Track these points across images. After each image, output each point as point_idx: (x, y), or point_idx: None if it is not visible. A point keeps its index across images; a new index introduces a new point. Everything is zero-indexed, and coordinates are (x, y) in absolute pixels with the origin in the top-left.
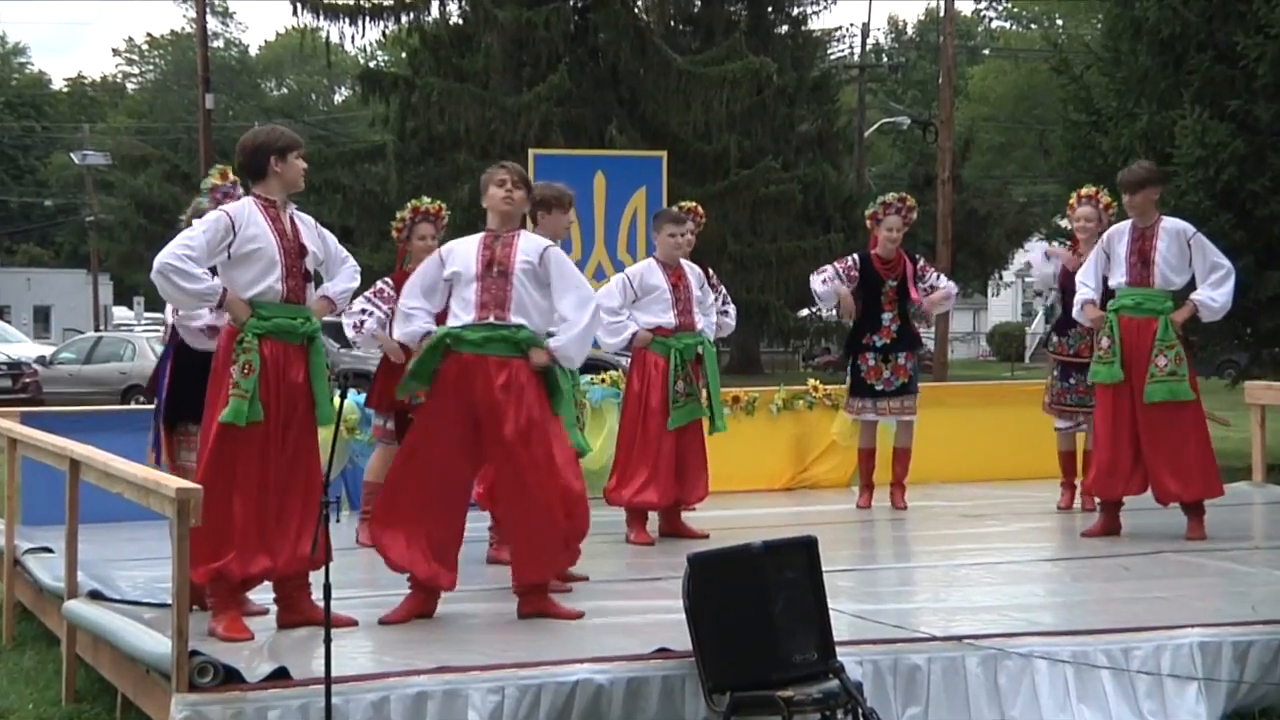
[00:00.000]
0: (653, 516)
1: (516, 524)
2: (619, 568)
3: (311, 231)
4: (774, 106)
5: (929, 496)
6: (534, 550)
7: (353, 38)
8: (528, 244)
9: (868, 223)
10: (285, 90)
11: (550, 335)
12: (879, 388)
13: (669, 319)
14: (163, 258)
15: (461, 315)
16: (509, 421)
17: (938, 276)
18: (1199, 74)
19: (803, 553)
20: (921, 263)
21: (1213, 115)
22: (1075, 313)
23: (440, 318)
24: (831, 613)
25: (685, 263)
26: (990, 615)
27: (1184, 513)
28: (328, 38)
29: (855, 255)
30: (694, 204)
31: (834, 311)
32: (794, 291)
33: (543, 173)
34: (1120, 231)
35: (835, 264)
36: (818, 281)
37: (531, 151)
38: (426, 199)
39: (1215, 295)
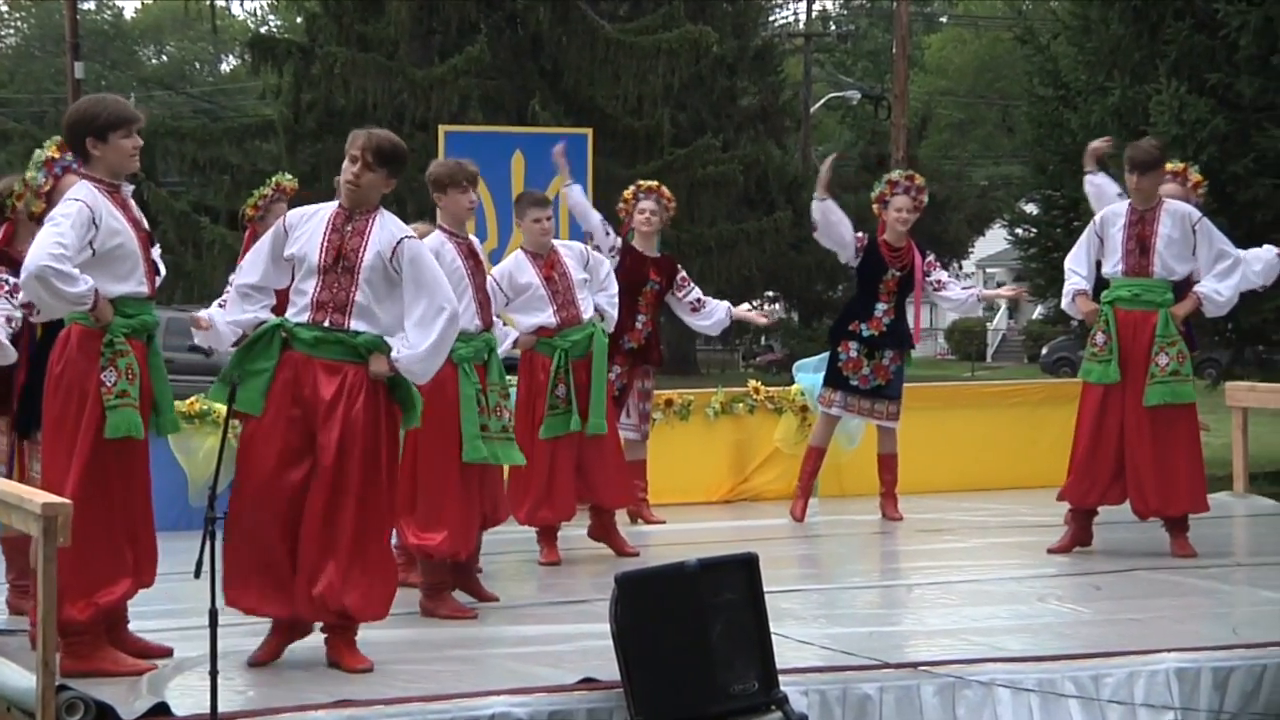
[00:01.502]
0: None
1: (305, 549)
2: (537, 589)
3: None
4: (712, 79)
5: (879, 509)
6: (328, 581)
7: (241, 0)
8: (381, 234)
9: (874, 206)
10: (165, 58)
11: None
12: (854, 382)
13: (548, 318)
14: (40, 260)
15: (299, 309)
16: (326, 432)
17: (949, 274)
18: (1176, 44)
19: (742, 572)
20: (930, 258)
21: (1191, 90)
22: (1065, 304)
23: (282, 299)
24: (774, 638)
25: (559, 243)
26: (948, 640)
27: (1166, 529)
28: (213, 1)
29: (864, 235)
30: (656, 183)
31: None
32: (735, 281)
33: (455, 150)
34: (1116, 213)
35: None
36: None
37: (442, 128)
38: (288, 176)
39: (1221, 288)
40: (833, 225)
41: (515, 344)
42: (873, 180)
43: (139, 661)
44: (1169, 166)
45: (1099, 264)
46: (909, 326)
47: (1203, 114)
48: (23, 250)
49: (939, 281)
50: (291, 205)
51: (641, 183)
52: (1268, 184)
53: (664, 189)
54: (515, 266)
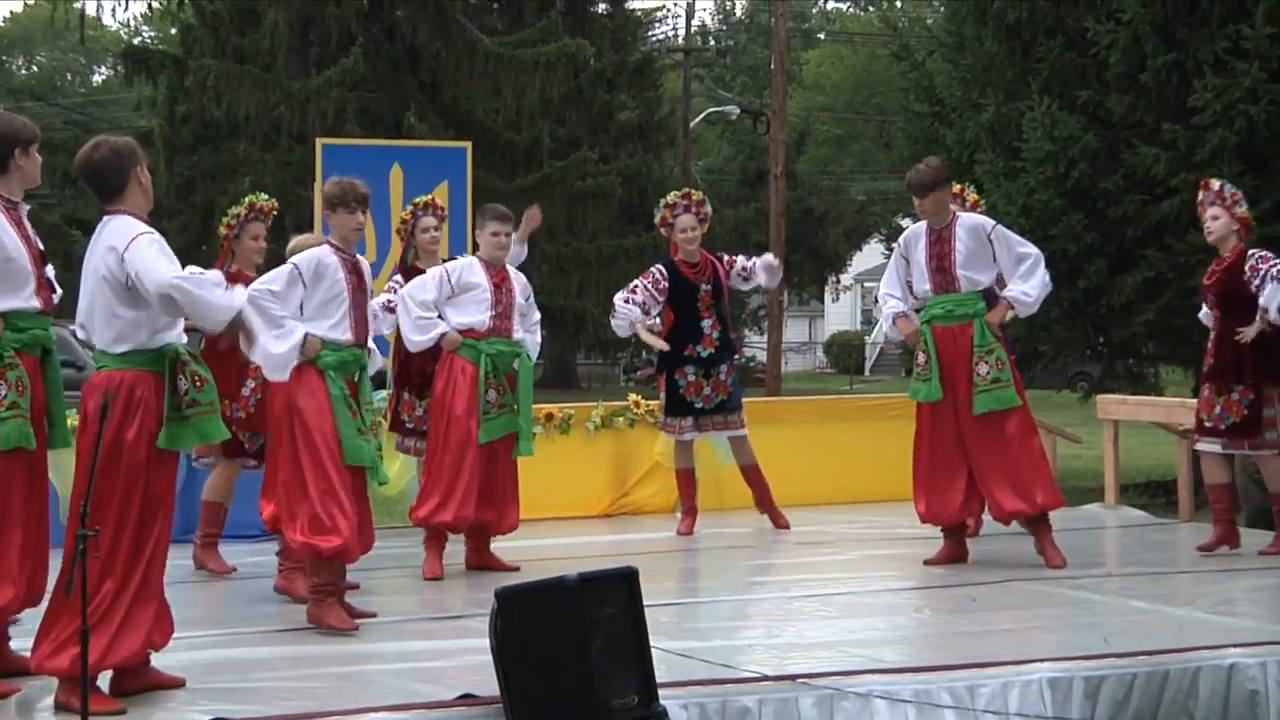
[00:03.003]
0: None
1: None
2: (417, 604)
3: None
4: (591, 93)
5: (761, 521)
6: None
7: (114, 11)
8: (109, 235)
9: (661, 230)
10: (35, 69)
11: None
12: (699, 405)
13: (482, 319)
14: None
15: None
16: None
17: (748, 258)
18: (1047, 62)
19: (622, 586)
20: (726, 257)
21: (1062, 107)
22: (886, 329)
23: None
24: (654, 651)
25: (511, 270)
26: (826, 651)
27: (1030, 530)
28: (83, 10)
29: (659, 265)
30: (699, 193)
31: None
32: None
33: (332, 165)
34: (916, 235)
35: (642, 280)
36: (619, 298)
37: (319, 141)
38: (264, 195)
39: (1028, 289)
40: (626, 328)
41: (442, 339)
42: (752, 195)
43: (6, 682)
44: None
45: (910, 285)
46: (733, 336)
47: (1074, 131)
48: None
49: (744, 269)
50: (272, 224)
51: (673, 199)
52: (1137, 200)
53: (693, 194)
54: (468, 267)
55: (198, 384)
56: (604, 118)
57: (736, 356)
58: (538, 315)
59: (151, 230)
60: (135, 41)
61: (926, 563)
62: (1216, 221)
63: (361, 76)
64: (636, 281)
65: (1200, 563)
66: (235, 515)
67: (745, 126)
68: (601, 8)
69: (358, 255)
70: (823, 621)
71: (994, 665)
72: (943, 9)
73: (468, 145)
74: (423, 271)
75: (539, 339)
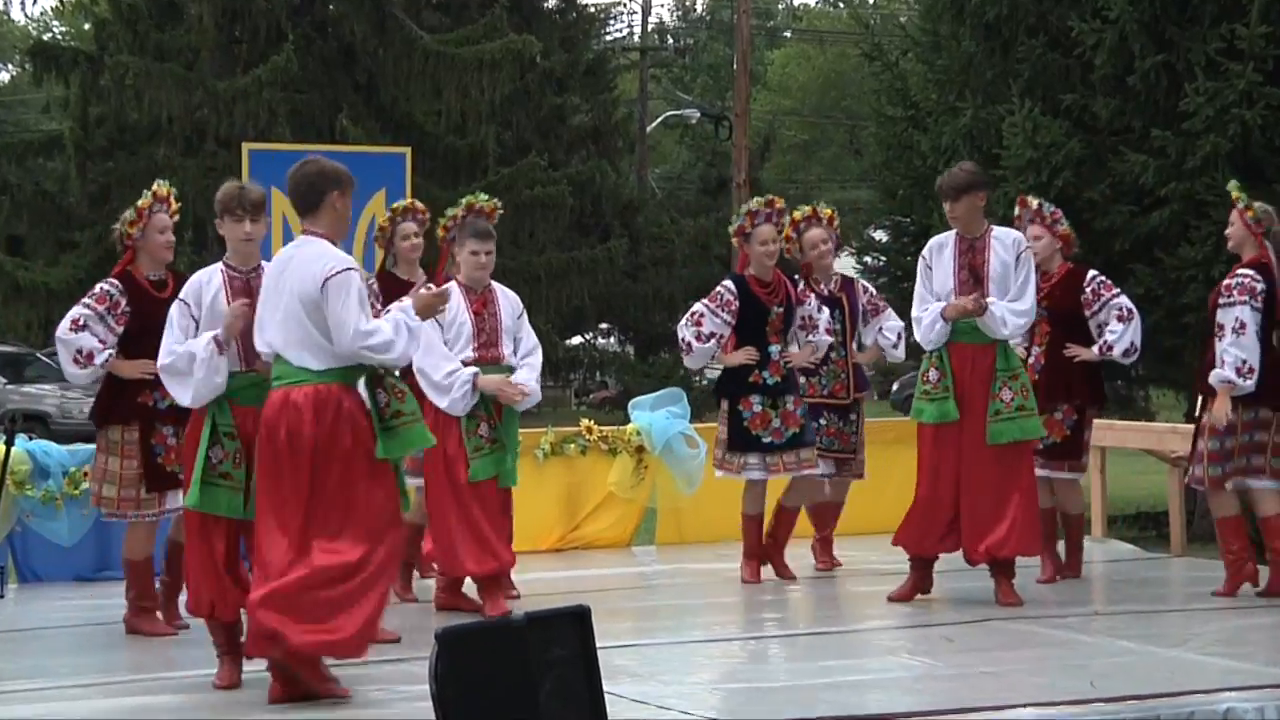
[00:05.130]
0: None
1: None
2: None
3: None
4: (540, 94)
5: (721, 557)
6: None
7: (22, 4)
8: (309, 259)
9: (734, 240)
10: None
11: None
12: (767, 439)
13: (466, 353)
14: None
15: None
16: None
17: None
18: (1029, 63)
19: (573, 626)
20: (802, 286)
21: (1045, 111)
22: (937, 330)
23: None
24: (607, 697)
25: (499, 288)
26: (792, 695)
27: (993, 574)
28: None
29: (728, 282)
30: (782, 201)
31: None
32: (565, 313)
33: (259, 171)
34: (942, 244)
35: (707, 304)
36: (689, 333)
37: (245, 146)
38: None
39: (1013, 310)
40: (705, 357)
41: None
42: (713, 205)
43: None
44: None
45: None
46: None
47: (1057, 137)
48: None
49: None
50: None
51: (755, 205)
52: (1124, 211)
53: (776, 201)
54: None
55: (397, 395)
56: (554, 121)
57: (805, 385)
58: (533, 342)
59: (350, 265)
60: (45, 37)
61: (890, 599)
62: (1039, 242)
63: (292, 76)
64: (699, 307)
65: (1192, 601)
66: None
67: (706, 131)
68: (551, 3)
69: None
70: (789, 664)
71: (972, 711)
72: (917, 6)
73: (406, 151)
74: (400, 280)
75: (536, 373)
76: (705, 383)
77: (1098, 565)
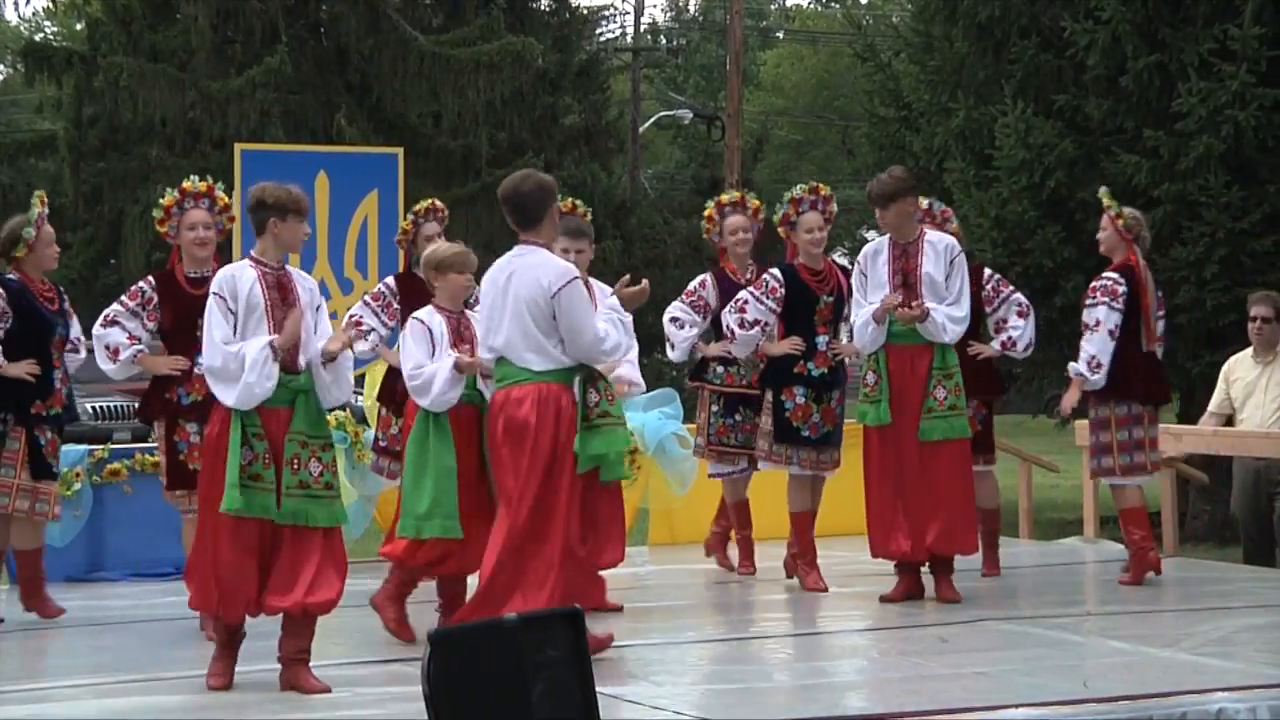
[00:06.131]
0: None
1: None
2: (351, 648)
3: None
4: (533, 96)
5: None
6: None
7: (15, 4)
8: (536, 267)
9: (780, 230)
10: None
11: None
12: (805, 433)
13: None
14: None
15: None
16: None
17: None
18: (1022, 64)
19: (565, 627)
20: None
21: (1038, 111)
22: (871, 334)
23: None
24: (600, 698)
25: (596, 284)
26: (786, 695)
27: (932, 570)
28: None
29: (775, 271)
30: (826, 189)
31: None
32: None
33: (253, 172)
34: (877, 249)
35: (753, 291)
36: (733, 320)
37: (239, 147)
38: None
39: (953, 314)
40: (750, 344)
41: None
42: (705, 205)
43: None
44: (724, 199)
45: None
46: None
47: (1050, 137)
48: None
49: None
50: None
51: (799, 193)
52: None
53: (820, 188)
54: None
55: (608, 397)
56: (547, 122)
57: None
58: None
59: (575, 274)
60: (37, 38)
61: (883, 599)
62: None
63: (286, 77)
64: (745, 295)
65: (1185, 601)
66: (149, 553)
67: (698, 131)
68: (544, 4)
69: (289, 269)
70: (782, 664)
71: (965, 711)
72: (910, 6)
73: (399, 152)
74: (422, 281)
75: (636, 365)
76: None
77: (1090, 566)
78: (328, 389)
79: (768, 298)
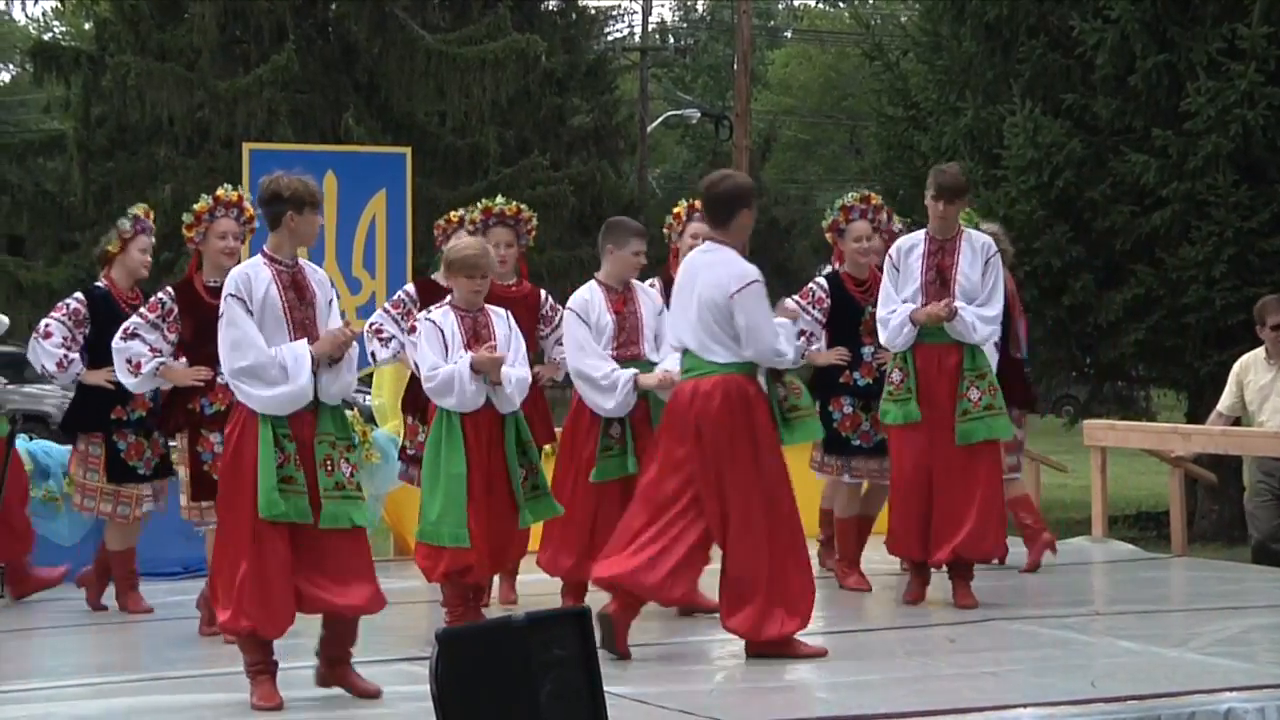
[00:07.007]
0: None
1: None
2: (355, 648)
3: None
4: (541, 95)
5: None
6: None
7: (22, 4)
8: (720, 265)
9: (828, 236)
10: None
11: None
12: (855, 442)
13: (607, 352)
14: None
15: None
16: None
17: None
18: (1030, 63)
19: (573, 627)
20: (655, 280)
21: (1046, 111)
22: (904, 334)
23: None
24: (608, 697)
25: (638, 285)
26: (793, 695)
27: (950, 575)
28: None
29: (820, 280)
30: (878, 198)
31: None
32: None
33: (261, 171)
34: (911, 243)
35: (797, 299)
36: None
37: (246, 146)
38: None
39: (982, 314)
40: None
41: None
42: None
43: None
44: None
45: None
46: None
47: (1058, 136)
48: None
49: None
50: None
51: (851, 200)
52: (1125, 211)
53: (872, 197)
54: (591, 297)
55: (794, 391)
56: (555, 122)
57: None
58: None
59: (757, 276)
60: (45, 37)
61: (907, 601)
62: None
63: (293, 76)
64: (788, 302)
65: (1194, 601)
66: (154, 552)
67: (706, 131)
68: (552, 4)
69: (303, 262)
70: (789, 664)
71: (973, 711)
72: (918, 5)
73: (407, 151)
74: (441, 288)
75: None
76: None
77: (1098, 565)
78: (325, 389)
79: (814, 307)
